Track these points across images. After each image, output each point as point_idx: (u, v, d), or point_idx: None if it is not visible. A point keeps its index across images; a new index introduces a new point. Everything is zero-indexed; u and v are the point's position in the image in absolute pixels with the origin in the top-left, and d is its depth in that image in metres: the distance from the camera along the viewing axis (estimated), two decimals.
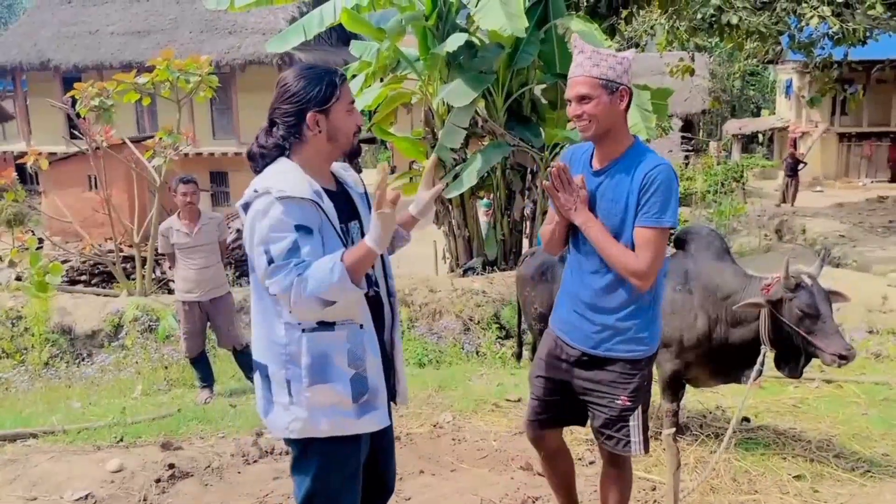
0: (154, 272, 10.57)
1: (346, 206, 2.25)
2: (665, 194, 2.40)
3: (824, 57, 13.81)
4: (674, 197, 2.43)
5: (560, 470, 2.92)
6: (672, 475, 3.01)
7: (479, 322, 8.02)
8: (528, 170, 10.16)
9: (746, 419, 4.51)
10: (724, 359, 3.70)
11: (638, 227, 2.43)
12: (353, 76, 10.52)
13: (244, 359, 5.94)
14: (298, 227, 2.03)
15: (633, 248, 2.45)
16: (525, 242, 10.47)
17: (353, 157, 2.26)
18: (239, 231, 10.68)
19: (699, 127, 27.28)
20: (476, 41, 9.77)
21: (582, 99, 2.42)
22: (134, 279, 10.23)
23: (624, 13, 10.95)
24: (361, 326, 2.14)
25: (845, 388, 5.23)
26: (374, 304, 2.26)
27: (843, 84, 16.65)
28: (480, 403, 4.99)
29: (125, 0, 20.57)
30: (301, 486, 2.22)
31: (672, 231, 2.52)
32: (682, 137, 23.37)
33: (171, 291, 10.25)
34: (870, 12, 11.76)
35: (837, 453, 4.07)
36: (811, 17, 11.52)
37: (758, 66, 26.46)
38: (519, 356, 5.17)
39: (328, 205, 2.12)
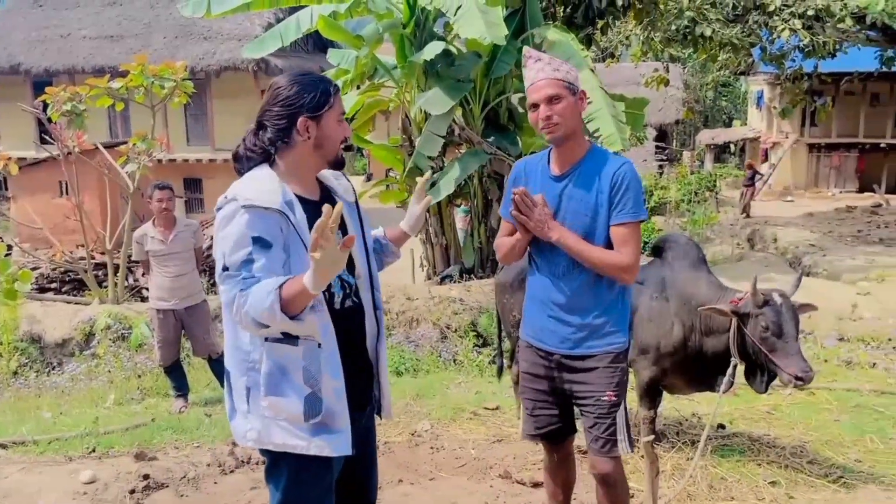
0: (126, 280, 10.43)
1: None
2: (636, 190, 2.52)
3: (795, 69, 14.09)
4: (641, 192, 2.57)
5: (561, 478, 2.93)
6: (651, 482, 3.03)
7: (456, 330, 8.01)
8: (505, 178, 10.19)
9: (721, 426, 4.56)
10: (699, 367, 3.73)
11: (616, 225, 2.51)
12: None
13: (219, 367, 5.84)
14: (256, 240, 2.01)
15: (606, 245, 2.53)
16: None
17: (337, 167, 2.25)
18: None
19: (673, 137, 27.61)
20: (453, 50, 9.79)
21: (551, 100, 2.48)
22: (106, 287, 10.08)
23: (600, 24, 11.04)
24: (319, 346, 2.08)
25: (817, 394, 5.31)
26: (353, 315, 2.23)
27: (812, 96, 16.97)
28: (458, 412, 4.99)
29: (98, 4, 20.33)
30: (273, 497, 2.20)
31: (643, 221, 2.61)
32: (657, 147, 23.65)
33: (143, 299, 10.13)
34: (839, 25, 12.02)
35: (811, 459, 4.13)
36: (782, 30, 11.75)
37: (730, 77, 26.87)
38: (500, 369, 5.17)
39: (300, 216, 2.09)
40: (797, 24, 11.68)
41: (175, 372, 5.79)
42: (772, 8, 11.80)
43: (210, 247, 10.49)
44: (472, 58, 9.61)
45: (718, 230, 16.14)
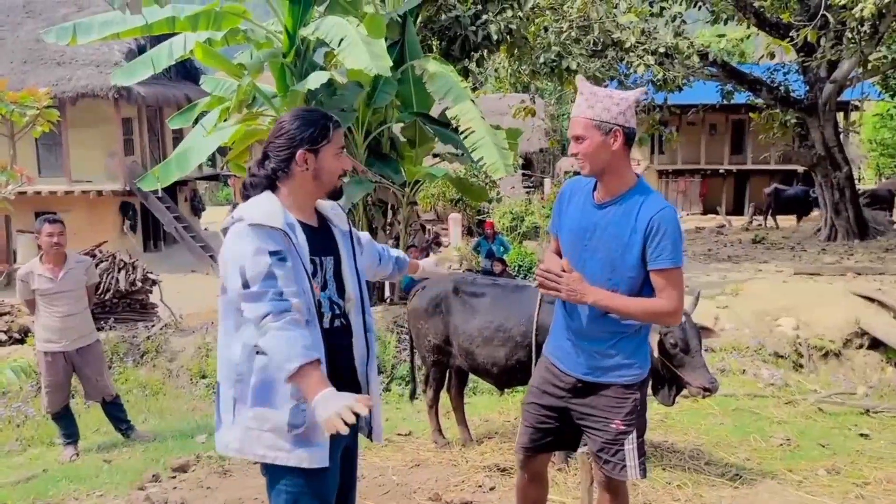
0: None
1: (323, 241, 2.34)
2: (674, 236, 2.50)
3: (647, 101, 15.23)
4: (680, 237, 2.54)
5: (532, 496, 2.97)
6: (587, 491, 3.20)
7: None
8: (389, 205, 10.33)
9: None
10: None
11: (657, 270, 2.51)
12: (205, 112, 10.24)
13: (115, 410, 5.55)
14: (273, 253, 2.12)
15: (627, 281, 2.55)
16: None
17: (334, 197, 2.37)
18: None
19: (536, 165, 28.82)
20: (336, 79, 9.85)
21: (577, 139, 2.55)
22: None
23: (475, 56, 11.48)
24: None
25: (701, 401, 5.74)
26: (341, 335, 2.31)
27: (662, 126, 18.37)
28: None
29: None
30: None
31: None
32: (523, 175, 24.60)
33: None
34: (686, 62, 13.15)
35: (707, 461, 4.48)
36: (638, 65, 12.69)
37: None
38: (413, 393, 5.20)
39: (300, 238, 2.22)
40: (650, 59, 12.66)
41: (65, 419, 5.37)
42: (628, 45, 12.73)
43: (98, 284, 9.83)
44: (354, 88, 9.71)
45: None
